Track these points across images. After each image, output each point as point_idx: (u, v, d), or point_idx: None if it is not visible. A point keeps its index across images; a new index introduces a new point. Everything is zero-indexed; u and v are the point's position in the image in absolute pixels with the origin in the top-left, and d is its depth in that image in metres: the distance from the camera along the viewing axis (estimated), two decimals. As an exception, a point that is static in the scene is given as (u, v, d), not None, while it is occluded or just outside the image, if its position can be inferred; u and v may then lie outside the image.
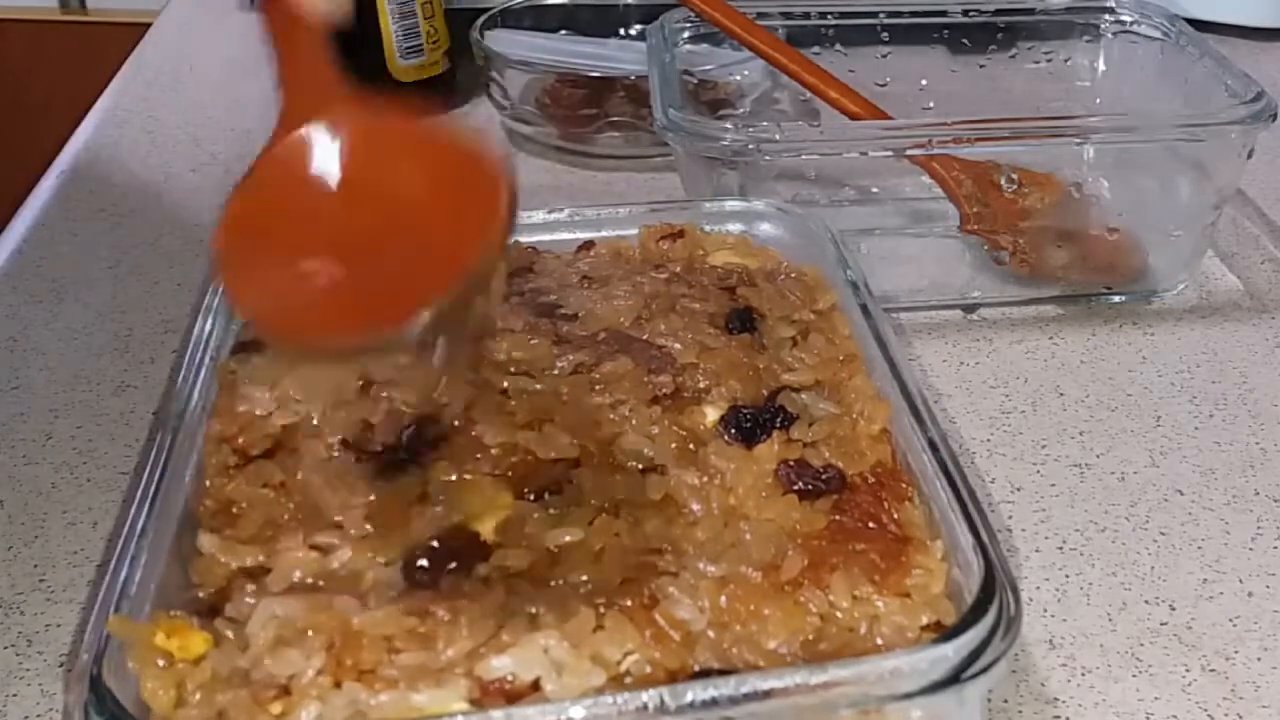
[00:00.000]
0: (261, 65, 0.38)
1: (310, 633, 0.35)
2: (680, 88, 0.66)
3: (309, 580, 0.37)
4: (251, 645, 0.35)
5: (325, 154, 0.37)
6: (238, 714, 0.34)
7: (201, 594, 0.38)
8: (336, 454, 0.42)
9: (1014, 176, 0.61)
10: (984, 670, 0.34)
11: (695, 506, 0.40)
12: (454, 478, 0.40)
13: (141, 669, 0.35)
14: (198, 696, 0.34)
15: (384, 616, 0.36)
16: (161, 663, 0.35)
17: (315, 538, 0.38)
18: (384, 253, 0.36)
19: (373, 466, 0.41)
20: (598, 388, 0.43)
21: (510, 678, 0.34)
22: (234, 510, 0.40)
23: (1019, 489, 0.52)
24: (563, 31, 0.84)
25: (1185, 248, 0.64)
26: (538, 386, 0.43)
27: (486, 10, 0.82)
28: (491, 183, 0.36)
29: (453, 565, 0.37)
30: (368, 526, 0.39)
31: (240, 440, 0.42)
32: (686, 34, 0.70)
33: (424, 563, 0.37)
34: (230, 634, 0.36)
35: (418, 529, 0.38)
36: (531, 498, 0.39)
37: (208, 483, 0.41)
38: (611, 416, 0.42)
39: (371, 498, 0.40)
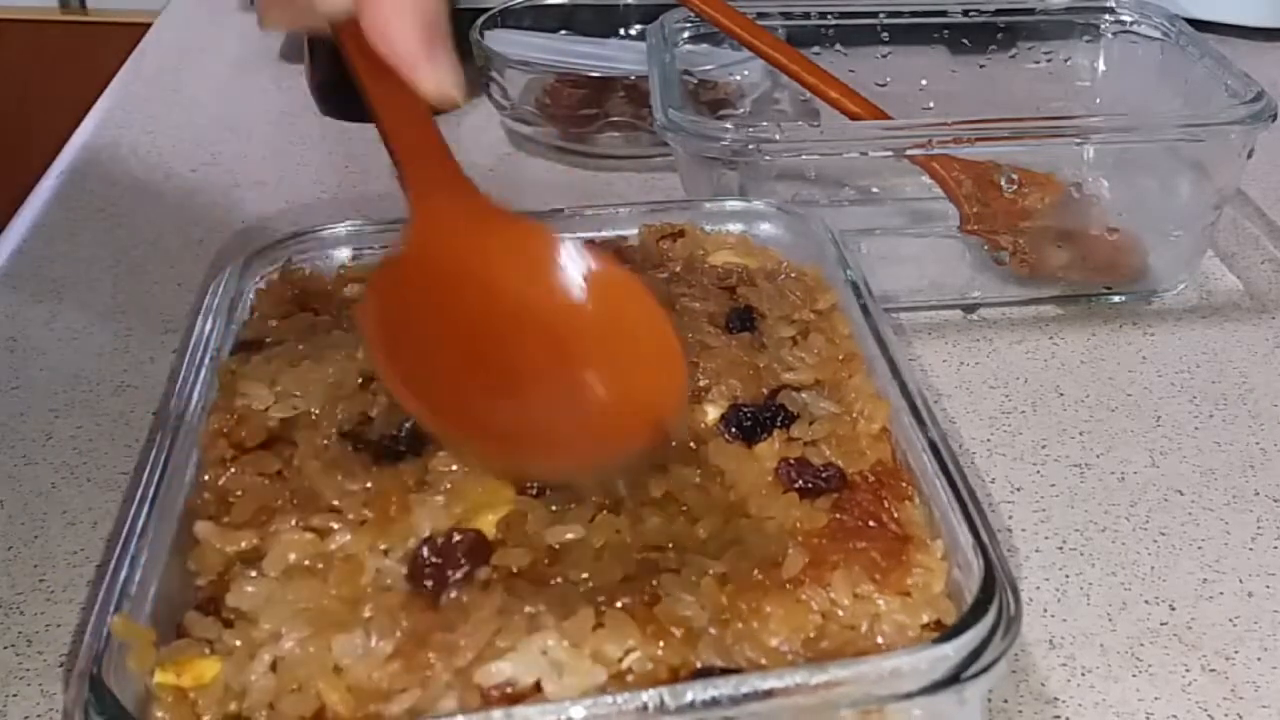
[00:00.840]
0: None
1: (302, 687, 0.34)
2: (680, 88, 0.66)
3: (305, 563, 0.37)
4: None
5: (488, 259, 0.38)
6: None
7: (201, 582, 0.38)
8: (334, 443, 0.41)
9: (1014, 176, 0.61)
10: (984, 670, 0.34)
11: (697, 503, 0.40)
12: (454, 468, 0.40)
13: (155, 704, 0.34)
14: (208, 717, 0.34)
15: (377, 672, 0.35)
16: (171, 699, 0.34)
17: (312, 520, 0.38)
18: (554, 381, 0.36)
19: (371, 455, 0.41)
20: (599, 385, 0.43)
21: (509, 687, 0.34)
22: (230, 500, 0.40)
23: (1019, 489, 0.52)
24: (563, 31, 0.84)
25: (1185, 248, 0.64)
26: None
27: (486, 10, 0.82)
28: (671, 349, 0.36)
29: (458, 576, 0.37)
30: (367, 512, 0.38)
31: (237, 433, 0.42)
32: (686, 34, 0.70)
33: (431, 564, 0.37)
34: (238, 642, 0.35)
35: (419, 519, 0.38)
36: (533, 493, 0.39)
37: (205, 476, 0.41)
38: (613, 413, 0.42)
39: (369, 484, 0.39)
